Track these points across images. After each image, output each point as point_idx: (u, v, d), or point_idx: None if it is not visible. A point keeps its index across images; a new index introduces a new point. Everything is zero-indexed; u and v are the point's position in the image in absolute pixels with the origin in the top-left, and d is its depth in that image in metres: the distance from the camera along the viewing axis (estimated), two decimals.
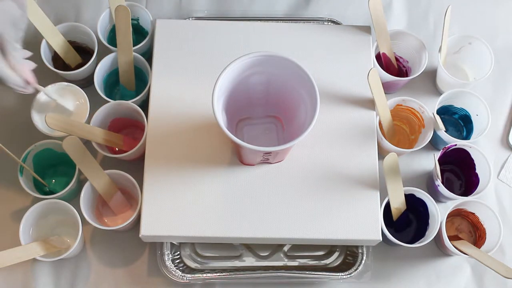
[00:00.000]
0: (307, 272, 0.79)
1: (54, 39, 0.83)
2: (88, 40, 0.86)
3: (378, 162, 0.78)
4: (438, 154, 0.79)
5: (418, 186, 0.80)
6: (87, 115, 0.79)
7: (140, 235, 0.74)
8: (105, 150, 0.78)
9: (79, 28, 0.85)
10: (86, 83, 0.86)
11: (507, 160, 0.88)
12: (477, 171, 0.81)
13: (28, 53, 0.72)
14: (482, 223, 0.80)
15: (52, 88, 0.80)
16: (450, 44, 0.87)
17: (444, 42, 0.84)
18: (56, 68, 0.83)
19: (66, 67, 0.86)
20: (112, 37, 0.87)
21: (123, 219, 0.79)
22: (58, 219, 0.79)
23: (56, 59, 0.86)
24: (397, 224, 0.80)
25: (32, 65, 0.72)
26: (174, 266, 0.79)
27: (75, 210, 0.75)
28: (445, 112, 0.88)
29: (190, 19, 0.90)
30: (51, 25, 0.82)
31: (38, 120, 0.79)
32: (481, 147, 0.83)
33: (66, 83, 0.81)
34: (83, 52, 0.87)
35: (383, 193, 0.77)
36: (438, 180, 0.78)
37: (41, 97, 0.79)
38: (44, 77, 0.86)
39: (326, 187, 0.76)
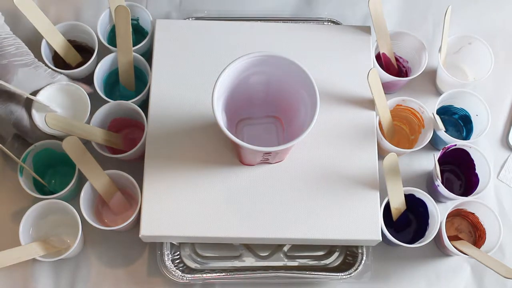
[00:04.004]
0: (307, 272, 0.79)
1: (54, 39, 0.83)
2: (88, 38, 0.86)
3: (378, 162, 0.78)
4: (438, 154, 0.79)
5: (418, 186, 0.80)
6: (88, 115, 0.79)
7: (140, 235, 0.74)
8: (105, 150, 0.78)
9: (79, 27, 0.85)
10: (86, 82, 0.86)
11: (507, 160, 0.88)
12: (477, 171, 0.81)
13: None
14: (482, 223, 0.80)
15: (51, 88, 0.79)
16: (450, 44, 0.87)
17: (444, 42, 0.84)
18: (57, 67, 0.83)
19: (67, 66, 0.86)
20: (112, 37, 0.87)
21: (123, 219, 0.79)
22: (58, 219, 0.79)
23: (57, 58, 0.86)
24: (397, 224, 0.80)
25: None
26: (174, 266, 0.79)
27: (75, 210, 0.75)
28: (445, 112, 0.88)
29: (190, 19, 0.90)
30: (50, 25, 0.82)
31: (38, 119, 0.79)
32: (481, 147, 0.83)
33: (65, 82, 0.80)
34: (83, 51, 0.87)
35: (383, 193, 0.77)
36: (438, 180, 0.78)
37: (41, 96, 0.79)
38: None
39: (326, 187, 0.76)
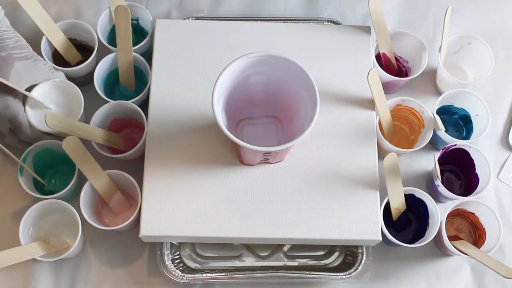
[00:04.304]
0: (307, 272, 0.79)
1: (54, 36, 0.83)
2: (88, 37, 0.86)
3: (378, 162, 0.78)
4: (438, 154, 0.79)
5: (418, 186, 0.80)
6: (81, 113, 0.79)
7: (140, 235, 0.74)
8: (105, 150, 0.78)
9: (79, 25, 0.85)
10: (85, 81, 0.86)
11: (507, 160, 0.88)
12: (477, 171, 0.81)
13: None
14: (482, 223, 0.80)
15: (45, 85, 0.79)
16: (450, 44, 0.87)
17: (444, 42, 0.84)
18: (56, 65, 0.83)
19: (67, 64, 0.85)
20: (112, 37, 0.87)
21: (123, 219, 0.79)
22: (58, 219, 0.79)
23: (56, 56, 0.85)
24: (397, 224, 0.80)
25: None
26: (174, 266, 0.79)
27: (75, 210, 0.75)
28: (445, 112, 0.88)
29: (190, 19, 0.90)
30: (51, 22, 0.82)
31: (32, 116, 0.78)
32: (481, 147, 0.83)
33: (59, 80, 0.80)
34: (83, 49, 0.87)
35: (383, 193, 0.77)
36: (438, 180, 0.78)
37: (35, 93, 0.79)
38: None
39: (326, 187, 0.76)
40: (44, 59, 0.82)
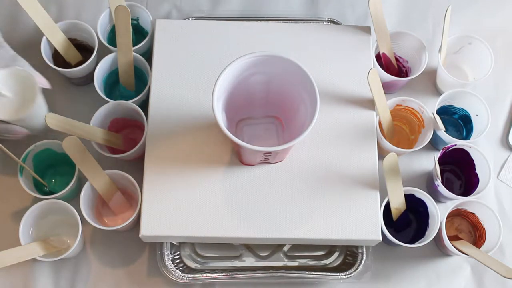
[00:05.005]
0: (307, 272, 0.79)
1: (54, 36, 0.83)
2: (88, 37, 0.86)
3: (378, 162, 0.78)
4: (438, 154, 0.79)
5: (418, 186, 0.80)
6: (35, 105, 0.75)
7: (140, 235, 0.74)
8: (105, 150, 0.78)
9: (79, 25, 0.85)
10: (86, 81, 0.86)
11: (507, 160, 0.88)
12: (477, 171, 0.81)
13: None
14: (482, 223, 0.80)
15: (3, 72, 0.74)
16: (450, 44, 0.87)
17: (444, 42, 0.84)
18: (56, 65, 0.83)
19: (67, 65, 0.85)
20: (112, 37, 0.87)
21: (123, 219, 0.79)
22: (58, 219, 0.79)
23: (56, 56, 0.85)
24: (397, 224, 0.80)
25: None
26: (174, 266, 0.79)
27: (75, 210, 0.75)
28: (445, 112, 0.88)
29: (190, 19, 0.90)
30: (51, 23, 0.82)
31: None
32: (481, 147, 0.83)
33: (17, 67, 0.75)
34: (83, 49, 0.87)
35: (383, 193, 0.77)
36: (438, 180, 0.78)
37: None
38: (44, 74, 0.85)
39: (326, 187, 0.76)
40: (45, 61, 0.81)
